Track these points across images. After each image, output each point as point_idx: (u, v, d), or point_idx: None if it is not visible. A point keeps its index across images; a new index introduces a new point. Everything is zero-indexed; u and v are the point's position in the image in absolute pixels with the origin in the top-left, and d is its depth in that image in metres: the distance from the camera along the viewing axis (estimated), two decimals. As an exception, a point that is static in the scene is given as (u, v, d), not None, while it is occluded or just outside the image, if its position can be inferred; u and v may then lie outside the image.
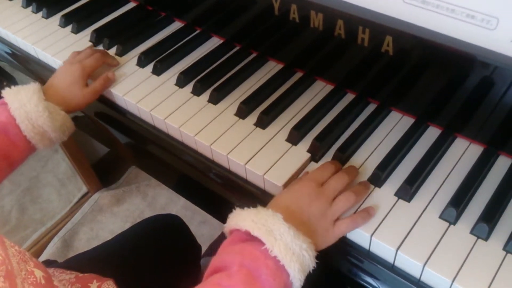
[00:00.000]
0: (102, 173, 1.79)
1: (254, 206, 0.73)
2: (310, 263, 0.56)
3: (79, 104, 0.84)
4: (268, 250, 0.55)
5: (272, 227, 0.56)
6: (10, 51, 1.06)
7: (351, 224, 0.62)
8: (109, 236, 0.98)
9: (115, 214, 1.72)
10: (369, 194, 0.66)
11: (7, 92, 0.79)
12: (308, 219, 0.60)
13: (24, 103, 0.76)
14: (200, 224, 1.62)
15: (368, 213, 0.63)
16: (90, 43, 0.98)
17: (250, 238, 0.57)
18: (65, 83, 0.83)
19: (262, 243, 0.56)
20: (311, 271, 0.57)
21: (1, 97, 0.78)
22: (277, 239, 0.55)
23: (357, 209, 0.64)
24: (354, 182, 0.67)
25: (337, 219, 0.62)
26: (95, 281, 0.75)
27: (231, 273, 0.54)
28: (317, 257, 0.58)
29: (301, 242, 0.56)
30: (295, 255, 0.55)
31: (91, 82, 0.86)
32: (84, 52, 0.90)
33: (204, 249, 1.35)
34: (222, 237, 1.44)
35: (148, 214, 1.69)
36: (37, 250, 1.64)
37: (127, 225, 1.67)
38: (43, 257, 1.61)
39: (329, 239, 0.61)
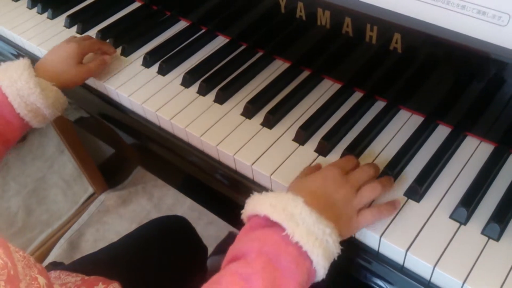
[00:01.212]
0: (108, 174, 1.79)
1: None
2: (334, 249, 0.54)
3: (71, 80, 0.83)
4: (289, 235, 0.52)
5: (293, 211, 0.54)
6: (15, 52, 1.06)
7: (377, 214, 0.60)
8: (115, 238, 0.98)
9: (121, 215, 1.72)
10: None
11: None
12: (334, 204, 0.58)
13: (15, 79, 0.75)
14: (206, 224, 1.61)
15: (394, 206, 0.61)
16: (95, 43, 0.98)
17: (269, 224, 0.55)
18: (58, 58, 0.82)
19: (283, 229, 0.53)
20: (335, 258, 0.55)
21: None
22: (299, 224, 0.53)
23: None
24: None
25: (361, 209, 0.60)
26: (101, 283, 0.74)
27: (250, 260, 0.52)
28: (341, 243, 0.55)
29: (324, 226, 0.53)
30: (318, 240, 0.52)
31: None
32: (81, 36, 0.90)
33: (210, 249, 1.35)
34: (228, 238, 1.44)
35: (154, 215, 1.69)
36: (43, 251, 1.64)
37: (133, 226, 1.66)
38: (50, 258, 1.62)
39: (353, 227, 0.59)
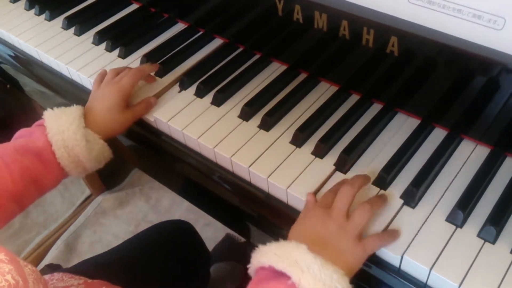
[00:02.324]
0: (105, 175, 1.78)
1: (258, 209, 0.73)
2: None
3: (119, 128, 0.79)
4: (296, 284, 0.52)
5: (297, 258, 0.53)
6: (13, 54, 1.06)
7: (377, 240, 0.59)
8: (112, 239, 0.97)
9: (118, 217, 1.71)
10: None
11: (48, 114, 0.75)
12: (328, 240, 0.58)
13: (63, 130, 0.72)
14: (204, 226, 1.61)
15: (397, 232, 0.60)
16: (93, 45, 0.98)
17: (276, 275, 0.54)
18: (105, 107, 0.78)
19: (288, 277, 0.52)
20: None
21: (42, 118, 0.75)
22: (304, 271, 0.52)
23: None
24: (369, 192, 0.66)
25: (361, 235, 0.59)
26: (104, 287, 0.74)
27: None
28: (351, 281, 0.54)
29: (331, 272, 0.52)
30: (326, 286, 0.51)
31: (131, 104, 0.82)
32: (121, 72, 0.83)
33: (208, 251, 1.35)
34: (226, 240, 1.44)
35: (151, 217, 1.69)
36: (40, 253, 1.63)
37: (130, 228, 1.67)
38: (46, 260, 1.61)
39: (360, 256, 0.58)
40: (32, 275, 0.50)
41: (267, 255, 0.55)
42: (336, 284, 0.52)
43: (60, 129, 0.73)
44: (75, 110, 0.76)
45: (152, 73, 0.88)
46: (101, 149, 0.77)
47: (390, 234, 0.60)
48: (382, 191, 0.66)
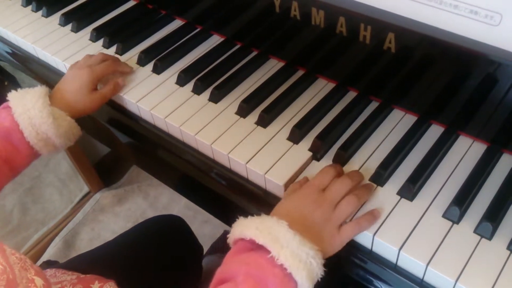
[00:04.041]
0: (104, 172, 1.79)
1: (255, 205, 0.73)
2: (318, 270, 0.55)
3: (86, 109, 0.82)
4: (275, 258, 0.54)
5: (277, 235, 0.55)
6: (10, 51, 1.06)
7: (356, 227, 0.60)
8: (110, 236, 0.98)
9: (116, 214, 1.72)
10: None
11: (13, 95, 0.76)
12: (312, 225, 0.59)
13: (28, 108, 0.74)
14: (202, 223, 1.61)
15: (373, 216, 0.61)
16: (90, 42, 0.98)
17: (255, 247, 0.56)
18: (73, 87, 0.81)
19: (268, 251, 0.54)
20: (319, 279, 0.56)
21: (7, 100, 0.77)
22: (284, 247, 0.54)
23: (357, 211, 0.63)
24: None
25: (342, 224, 0.61)
26: (96, 282, 0.74)
27: (237, 283, 0.53)
28: (325, 265, 0.56)
29: (308, 249, 0.54)
30: (302, 262, 0.54)
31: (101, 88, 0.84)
32: (95, 57, 0.87)
33: (206, 248, 1.35)
34: (224, 236, 1.45)
35: (150, 213, 1.69)
36: (38, 250, 1.63)
37: (129, 225, 1.67)
38: (45, 257, 1.61)
39: (336, 244, 0.60)
40: (19, 263, 0.50)
41: (249, 229, 0.57)
42: (311, 260, 0.54)
43: (26, 107, 0.74)
44: (39, 90, 0.77)
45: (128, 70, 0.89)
46: (69, 126, 0.78)
47: (366, 219, 0.61)
48: (379, 187, 0.66)
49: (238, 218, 0.60)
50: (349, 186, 0.62)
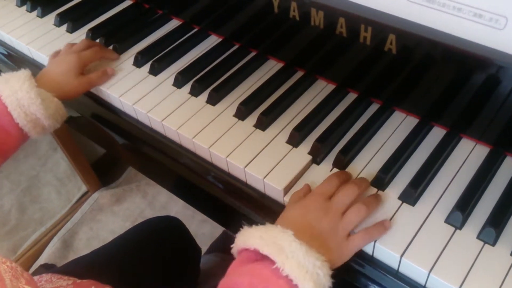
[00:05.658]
0: (102, 172, 1.78)
1: (254, 209, 0.72)
2: (325, 282, 0.53)
3: (72, 92, 0.83)
4: (279, 269, 0.52)
5: (282, 244, 0.53)
6: (5, 52, 1.04)
7: (366, 237, 0.59)
8: (109, 236, 0.97)
9: (115, 213, 1.71)
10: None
11: None
12: (319, 234, 0.58)
13: (16, 90, 0.74)
14: (200, 222, 1.61)
15: (384, 227, 0.60)
16: (86, 43, 0.96)
17: (259, 258, 0.55)
18: (59, 70, 0.82)
19: (273, 262, 0.53)
20: None
21: None
22: (289, 257, 0.52)
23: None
24: (365, 194, 0.65)
25: (350, 233, 0.59)
26: (93, 287, 0.73)
27: None
28: (333, 276, 0.54)
29: (314, 259, 0.53)
30: (308, 273, 0.52)
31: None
32: (80, 43, 0.88)
33: (204, 248, 1.34)
34: (223, 236, 1.44)
35: (148, 213, 1.68)
36: (36, 250, 1.63)
37: (127, 224, 1.66)
38: (43, 257, 1.61)
39: (345, 254, 0.58)
40: (10, 272, 0.50)
41: (253, 238, 0.55)
42: (318, 270, 0.52)
43: (13, 89, 0.75)
44: (23, 73, 0.78)
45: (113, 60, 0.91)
46: (57, 107, 0.79)
47: (377, 229, 0.60)
48: (380, 192, 0.65)
49: (242, 227, 0.58)
50: (356, 194, 0.61)
